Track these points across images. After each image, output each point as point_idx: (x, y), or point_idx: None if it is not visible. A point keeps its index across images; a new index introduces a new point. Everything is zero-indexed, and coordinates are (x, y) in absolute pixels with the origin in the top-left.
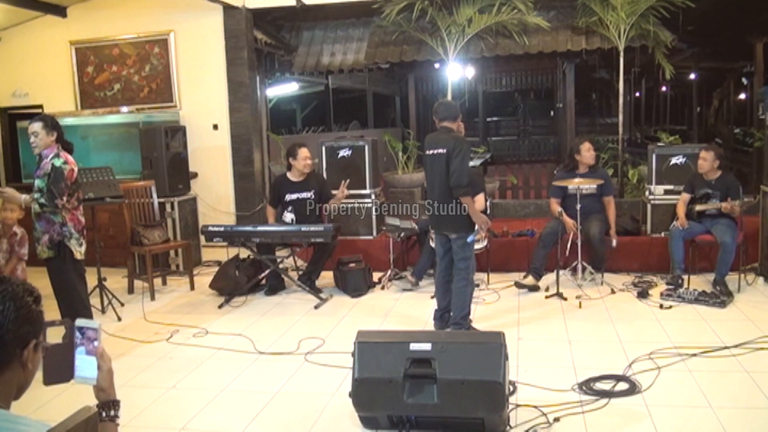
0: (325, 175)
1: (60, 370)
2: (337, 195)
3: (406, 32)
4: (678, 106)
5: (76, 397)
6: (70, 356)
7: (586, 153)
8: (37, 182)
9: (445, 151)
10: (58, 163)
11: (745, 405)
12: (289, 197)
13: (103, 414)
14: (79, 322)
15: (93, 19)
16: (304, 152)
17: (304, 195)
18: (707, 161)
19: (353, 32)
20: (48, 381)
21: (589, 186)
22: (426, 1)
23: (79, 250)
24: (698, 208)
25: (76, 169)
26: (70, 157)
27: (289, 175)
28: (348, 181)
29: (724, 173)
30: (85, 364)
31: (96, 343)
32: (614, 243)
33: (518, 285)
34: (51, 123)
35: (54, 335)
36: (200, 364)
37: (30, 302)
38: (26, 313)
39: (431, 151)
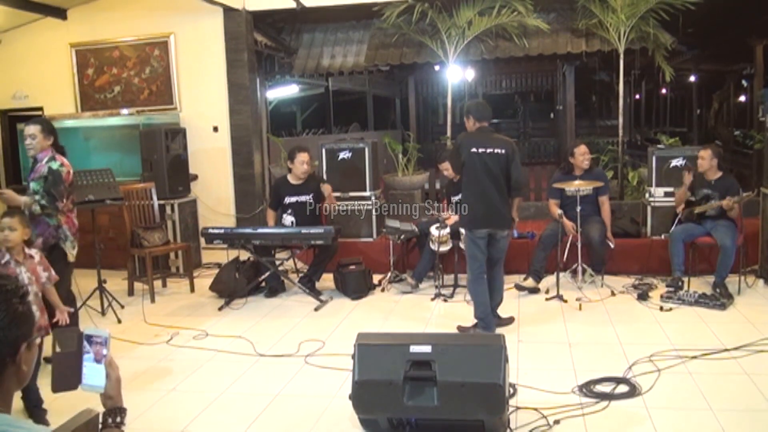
0: (325, 177)
1: (68, 378)
2: (327, 197)
3: (406, 34)
4: (678, 109)
5: (75, 400)
6: (78, 364)
7: (580, 156)
8: (33, 185)
9: (504, 152)
10: (55, 166)
11: (746, 407)
12: (288, 200)
13: (109, 420)
14: (88, 330)
15: (93, 21)
16: (301, 157)
17: (304, 198)
18: (705, 159)
19: (353, 34)
20: (56, 388)
21: (585, 188)
22: (426, 3)
23: (72, 253)
24: (698, 210)
25: (71, 172)
26: (65, 160)
27: (289, 177)
28: (330, 187)
29: (725, 174)
30: (92, 372)
31: (105, 352)
32: (612, 244)
33: (518, 287)
34: (48, 127)
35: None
36: (200, 367)
37: (17, 304)
38: (15, 317)
39: (485, 150)
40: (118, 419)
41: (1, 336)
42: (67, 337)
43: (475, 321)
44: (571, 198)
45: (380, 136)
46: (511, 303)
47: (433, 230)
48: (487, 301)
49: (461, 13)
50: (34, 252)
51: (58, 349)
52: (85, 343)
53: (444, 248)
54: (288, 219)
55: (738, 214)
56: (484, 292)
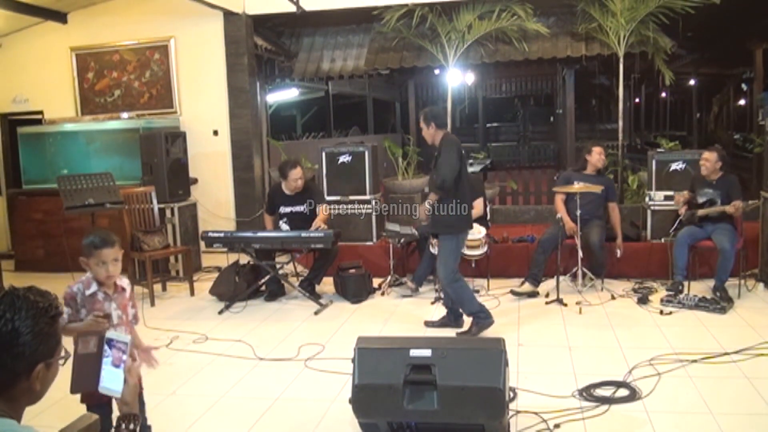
0: (325, 181)
1: (86, 379)
2: (319, 219)
3: (406, 38)
4: (678, 112)
5: (75, 403)
6: (97, 366)
7: (597, 156)
8: None
9: None
10: None
11: (746, 411)
12: (283, 210)
13: (122, 426)
14: (110, 334)
15: (93, 25)
16: (294, 174)
17: (298, 208)
18: (710, 162)
19: (353, 38)
20: (74, 389)
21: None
22: (426, 7)
23: None
24: (701, 213)
25: None
26: None
27: (283, 187)
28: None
29: (725, 174)
30: (110, 376)
31: (124, 357)
32: (619, 253)
33: (514, 293)
34: None
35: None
36: (200, 370)
37: (44, 324)
38: (38, 335)
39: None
40: (132, 426)
41: (20, 350)
42: (88, 339)
43: (471, 321)
44: (575, 197)
45: (380, 140)
46: (511, 306)
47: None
48: (473, 294)
49: (461, 17)
50: (126, 284)
51: (79, 351)
52: (106, 346)
53: None
54: (284, 227)
55: (738, 217)
56: (467, 287)
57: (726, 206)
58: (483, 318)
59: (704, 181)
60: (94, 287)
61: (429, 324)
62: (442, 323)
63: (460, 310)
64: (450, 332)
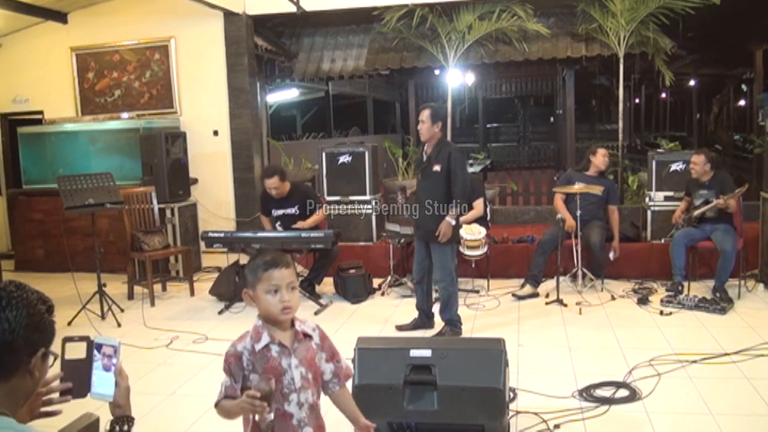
0: (325, 181)
1: (77, 386)
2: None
3: (406, 39)
4: (678, 113)
5: (75, 403)
6: (87, 372)
7: (601, 158)
8: None
9: None
10: None
11: (746, 412)
12: (275, 212)
13: (117, 428)
14: (99, 338)
15: (94, 25)
16: (268, 183)
17: (290, 210)
18: (699, 165)
19: (353, 39)
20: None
21: (585, 191)
22: (426, 8)
23: None
24: (696, 213)
25: None
26: None
27: None
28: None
29: (717, 172)
30: (102, 381)
31: (114, 360)
32: (612, 256)
33: (516, 296)
34: None
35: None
36: (200, 371)
37: (42, 310)
38: (38, 321)
39: None
40: (126, 428)
41: (21, 332)
42: (76, 345)
43: (444, 324)
44: (574, 198)
45: (380, 140)
46: (511, 306)
47: None
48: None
49: (461, 18)
50: (311, 328)
51: (67, 357)
52: (95, 351)
53: None
54: (279, 229)
55: (737, 211)
56: (458, 295)
57: (716, 201)
58: (458, 326)
59: (698, 183)
60: (266, 338)
61: (400, 328)
62: (414, 325)
63: (432, 311)
64: (422, 333)
